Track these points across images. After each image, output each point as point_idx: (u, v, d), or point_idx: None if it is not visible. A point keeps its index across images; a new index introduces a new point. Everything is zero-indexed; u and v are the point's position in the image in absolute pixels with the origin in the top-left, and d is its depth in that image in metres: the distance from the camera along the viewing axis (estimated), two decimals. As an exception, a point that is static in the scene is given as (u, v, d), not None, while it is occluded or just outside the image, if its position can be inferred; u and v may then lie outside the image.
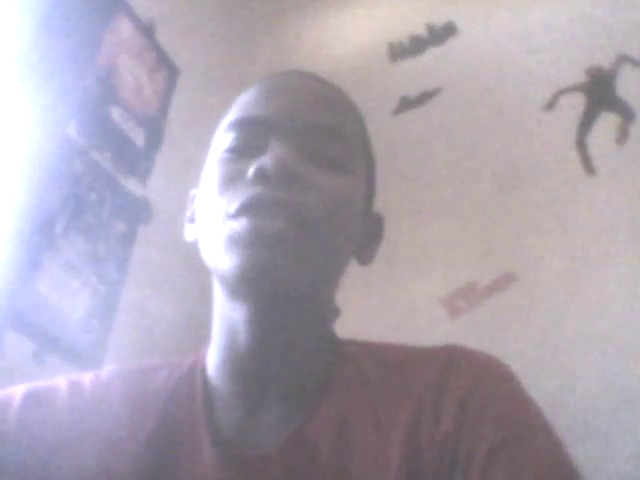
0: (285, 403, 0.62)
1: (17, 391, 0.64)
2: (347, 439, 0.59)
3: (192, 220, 0.71)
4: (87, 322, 1.60)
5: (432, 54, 2.20)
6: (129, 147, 1.83)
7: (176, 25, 2.08)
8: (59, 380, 0.66)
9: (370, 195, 0.72)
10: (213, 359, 0.66)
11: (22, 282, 1.46)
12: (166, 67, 2.02)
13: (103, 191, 1.70)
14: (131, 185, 1.81)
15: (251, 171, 0.60)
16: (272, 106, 0.65)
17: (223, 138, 0.66)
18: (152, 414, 0.63)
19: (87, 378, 0.67)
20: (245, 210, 0.59)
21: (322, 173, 0.62)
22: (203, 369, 0.66)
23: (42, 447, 0.60)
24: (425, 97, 2.13)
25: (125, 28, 1.88)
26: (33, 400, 0.63)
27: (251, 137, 0.64)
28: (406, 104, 2.15)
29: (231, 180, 0.62)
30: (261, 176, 0.59)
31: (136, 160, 1.84)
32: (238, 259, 0.57)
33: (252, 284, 0.58)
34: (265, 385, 0.62)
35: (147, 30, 1.96)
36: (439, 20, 2.21)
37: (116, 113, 1.80)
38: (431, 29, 2.22)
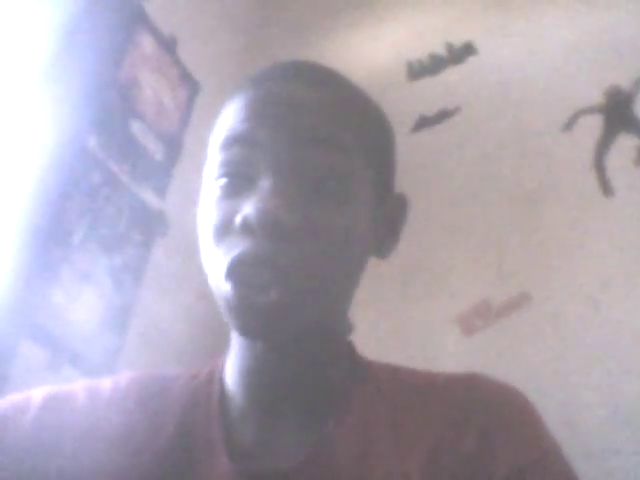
0: (302, 418, 0.62)
1: (35, 394, 0.64)
2: (368, 457, 0.59)
3: None
4: (102, 332, 1.61)
5: (451, 73, 2.20)
6: (148, 160, 1.85)
7: (197, 41, 2.10)
8: (77, 384, 0.67)
9: (385, 186, 0.68)
10: (231, 368, 0.66)
11: (38, 292, 1.47)
12: (187, 82, 2.04)
13: (121, 203, 1.72)
14: (149, 198, 1.82)
15: (237, 222, 0.57)
16: (258, 121, 0.60)
17: (215, 160, 0.62)
18: (169, 422, 0.63)
19: (105, 383, 0.67)
20: (232, 273, 0.57)
21: (313, 208, 0.58)
22: (221, 378, 0.66)
23: (58, 450, 0.60)
24: (443, 116, 2.14)
25: (147, 43, 1.90)
26: (51, 403, 0.63)
27: (240, 160, 0.60)
28: (424, 122, 2.15)
29: (224, 228, 0.59)
30: (246, 228, 0.56)
31: (154, 173, 1.86)
32: (235, 323, 0.58)
33: (254, 340, 0.61)
34: (282, 399, 0.62)
35: (169, 46, 1.99)
36: (458, 39, 2.22)
37: (136, 127, 1.82)
38: (450, 48, 2.23)
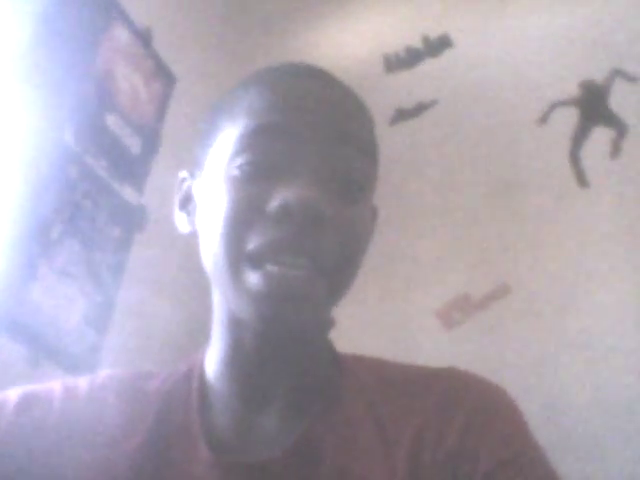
0: (284, 411, 0.62)
1: (11, 394, 0.64)
2: (350, 450, 0.59)
3: (184, 208, 0.69)
4: (82, 329, 1.59)
5: (427, 66, 2.21)
6: (125, 154, 1.83)
7: (173, 33, 2.09)
8: (54, 383, 0.66)
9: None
10: (213, 360, 0.65)
11: (17, 288, 1.46)
12: (163, 75, 2.03)
13: (98, 198, 1.70)
14: (127, 192, 1.81)
15: (274, 207, 0.57)
16: (291, 114, 0.61)
17: (237, 144, 0.61)
18: (147, 417, 0.63)
19: (82, 382, 0.67)
20: (269, 256, 0.56)
21: (341, 206, 0.60)
22: (201, 372, 0.66)
23: (36, 450, 0.60)
24: (420, 108, 2.14)
25: (122, 35, 1.88)
26: (27, 403, 0.63)
27: (272, 151, 0.59)
28: (402, 115, 2.16)
29: (247, 210, 0.58)
30: (286, 214, 0.56)
31: (132, 167, 1.84)
32: (262, 309, 0.57)
33: (271, 333, 0.60)
34: (266, 389, 0.63)
35: (144, 38, 1.97)
36: (434, 32, 2.22)
37: (112, 120, 1.80)
38: (426, 41, 2.24)
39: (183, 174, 0.71)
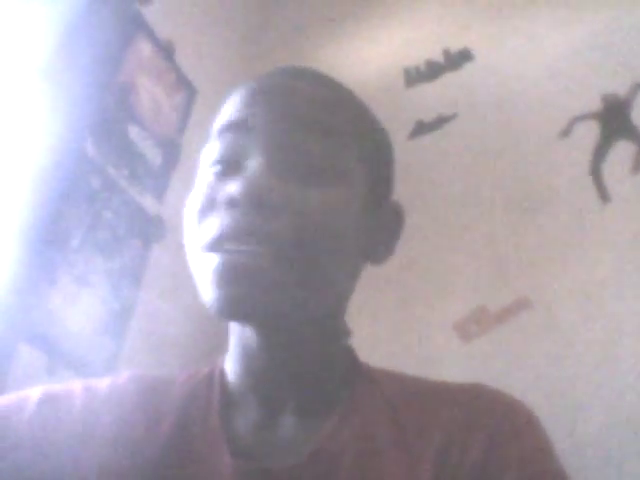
0: (303, 416, 0.62)
1: (33, 393, 0.64)
2: (372, 458, 0.59)
3: None
4: (100, 337, 1.61)
5: (448, 79, 2.21)
6: (146, 165, 1.85)
7: (194, 46, 2.11)
8: (75, 383, 0.67)
9: (380, 190, 0.69)
10: (230, 367, 0.66)
11: (36, 296, 1.47)
12: (184, 87, 2.05)
13: (119, 208, 1.72)
14: (147, 202, 1.83)
15: (222, 197, 0.58)
16: (254, 108, 0.62)
17: (209, 148, 0.64)
18: (168, 418, 0.63)
19: (103, 382, 0.67)
20: (214, 244, 0.57)
21: (303, 188, 0.59)
22: (222, 376, 0.66)
23: (56, 449, 0.60)
24: (441, 122, 2.14)
25: (145, 48, 1.91)
26: (48, 402, 0.63)
27: (234, 146, 0.61)
28: (422, 128, 2.16)
29: (209, 205, 0.60)
30: (231, 203, 0.57)
31: (152, 178, 1.86)
32: (214, 295, 0.57)
33: (233, 318, 0.60)
34: (281, 397, 0.63)
35: (166, 51, 1.99)
36: (455, 45, 2.22)
37: (133, 132, 1.82)
38: (447, 54, 2.24)
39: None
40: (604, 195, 1.82)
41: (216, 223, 0.58)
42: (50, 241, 1.51)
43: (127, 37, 1.85)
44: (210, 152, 0.63)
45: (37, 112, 1.53)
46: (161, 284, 1.80)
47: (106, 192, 1.69)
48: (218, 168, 0.62)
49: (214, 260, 0.57)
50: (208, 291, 0.57)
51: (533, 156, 1.96)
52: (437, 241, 1.95)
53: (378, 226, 0.68)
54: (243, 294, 0.55)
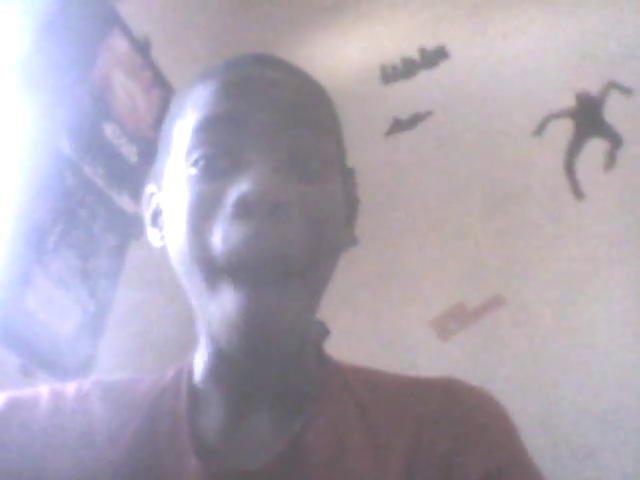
0: (272, 417, 0.61)
1: None
2: (341, 457, 0.59)
3: (155, 223, 0.67)
4: (76, 337, 1.59)
5: (424, 77, 2.22)
6: (121, 163, 1.83)
7: (171, 43, 2.10)
8: (42, 389, 0.65)
9: (345, 168, 0.67)
10: (200, 365, 0.64)
11: (11, 296, 1.45)
12: (160, 85, 2.03)
13: (94, 206, 1.70)
14: (123, 201, 1.81)
15: (231, 200, 0.54)
16: (238, 101, 0.58)
17: (187, 142, 0.58)
18: (133, 422, 0.61)
19: (70, 387, 0.66)
20: (229, 269, 0.53)
21: (305, 187, 0.57)
22: (189, 377, 0.65)
23: (21, 456, 0.59)
24: (417, 119, 2.15)
25: (120, 45, 1.89)
26: (12, 408, 0.62)
27: (221, 143, 0.57)
28: (398, 126, 2.17)
29: (205, 209, 0.55)
30: (243, 209, 0.53)
31: (128, 176, 1.84)
32: (229, 338, 0.54)
33: (247, 360, 0.57)
34: (251, 398, 0.62)
35: (142, 47, 1.98)
36: (431, 43, 2.24)
37: (109, 129, 1.81)
38: (423, 52, 2.25)
39: (151, 188, 0.68)
40: (578, 192, 1.84)
41: (223, 235, 0.54)
42: (25, 241, 1.50)
43: (103, 33, 1.83)
44: (186, 147, 0.58)
45: (12, 109, 1.51)
46: (138, 283, 1.79)
47: (82, 190, 1.67)
48: (204, 163, 0.57)
49: (234, 296, 0.53)
50: (220, 327, 0.55)
51: (508, 153, 1.98)
52: (413, 238, 1.96)
53: (349, 201, 0.66)
54: (266, 340, 0.54)
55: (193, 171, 0.57)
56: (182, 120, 0.61)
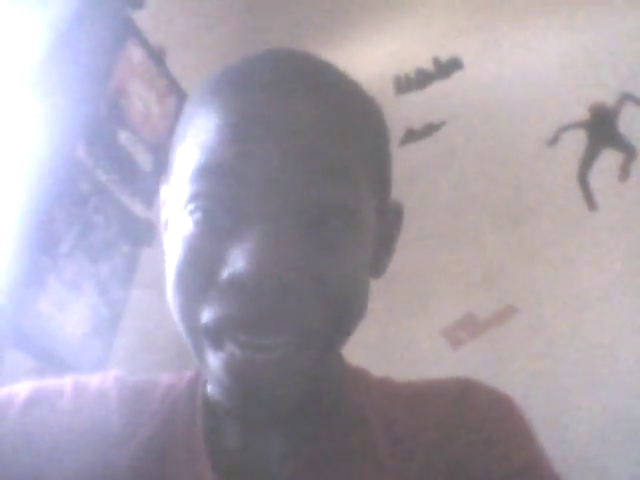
0: (288, 428, 0.60)
1: (21, 389, 0.63)
2: (359, 470, 0.58)
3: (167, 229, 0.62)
4: (89, 342, 1.60)
5: (437, 88, 2.22)
6: (136, 170, 1.85)
7: (186, 52, 2.11)
8: (66, 381, 0.65)
9: (384, 204, 0.60)
10: (212, 386, 0.63)
11: (25, 300, 1.47)
12: (175, 93, 2.05)
13: (109, 213, 1.72)
14: (136, 207, 1.83)
15: (225, 276, 0.48)
16: (251, 147, 0.49)
17: (186, 188, 0.51)
18: (147, 426, 0.61)
19: (93, 381, 0.65)
20: (222, 332, 0.49)
21: (318, 250, 0.49)
22: (205, 385, 0.64)
23: (41, 449, 0.59)
24: (430, 129, 2.16)
25: (136, 54, 1.91)
26: (36, 400, 0.61)
27: (224, 196, 0.49)
28: (411, 136, 2.17)
29: (199, 277, 0.49)
30: (238, 286, 0.47)
31: (142, 183, 1.86)
32: (233, 400, 0.53)
33: (249, 416, 0.57)
34: (266, 422, 0.60)
35: (157, 56, 2.00)
36: (445, 54, 2.24)
37: (124, 137, 1.82)
38: (437, 63, 2.26)
39: (165, 189, 0.63)
40: (591, 203, 1.83)
41: (221, 306, 0.49)
42: (40, 246, 1.51)
43: (118, 42, 1.85)
44: (187, 198, 0.51)
45: (28, 117, 1.52)
46: (151, 288, 1.80)
47: (96, 197, 1.69)
48: (201, 216, 0.50)
49: (225, 355, 0.49)
50: (221, 389, 0.54)
51: (521, 164, 1.98)
52: (426, 249, 1.96)
53: (381, 236, 0.59)
54: (269, 398, 0.50)
55: (190, 223, 0.51)
56: (182, 149, 0.55)
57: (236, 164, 0.49)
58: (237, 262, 0.47)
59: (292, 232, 0.48)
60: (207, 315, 0.49)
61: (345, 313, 0.52)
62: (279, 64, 0.54)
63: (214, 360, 0.50)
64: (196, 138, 0.52)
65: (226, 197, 0.49)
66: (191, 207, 0.50)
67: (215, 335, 0.49)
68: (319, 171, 0.49)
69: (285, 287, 0.47)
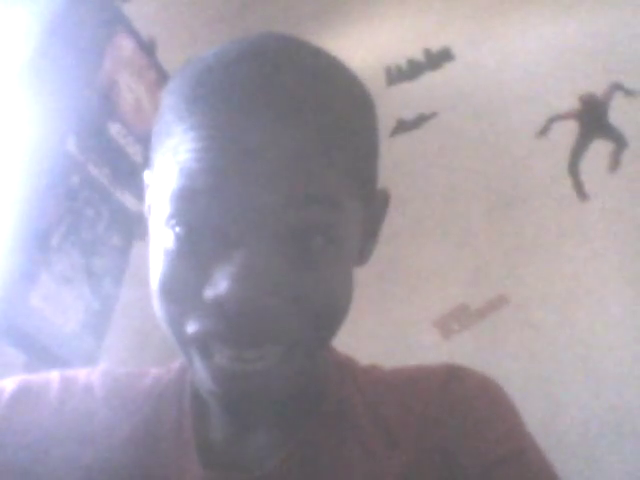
0: (277, 420, 0.60)
1: (7, 383, 0.63)
2: (347, 460, 0.58)
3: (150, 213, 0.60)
4: (80, 335, 1.60)
5: (428, 78, 2.22)
6: (127, 163, 1.84)
7: (176, 43, 2.10)
8: (53, 375, 0.65)
9: (371, 187, 0.59)
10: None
11: (16, 294, 1.46)
12: (165, 85, 2.04)
13: (100, 206, 1.71)
14: (127, 200, 1.82)
15: (208, 297, 0.48)
16: (229, 172, 0.47)
17: (168, 207, 0.50)
18: (133, 418, 0.61)
19: (81, 375, 0.65)
20: (207, 346, 0.50)
21: (304, 274, 0.50)
22: (193, 377, 0.63)
23: (28, 443, 0.59)
24: (421, 120, 2.16)
25: (126, 45, 1.90)
26: (22, 394, 0.62)
27: (204, 217, 0.49)
28: (402, 127, 2.17)
29: (182, 294, 0.50)
30: (221, 308, 0.47)
31: (133, 176, 1.85)
32: (213, 393, 0.54)
33: (235, 412, 0.59)
34: (254, 414, 0.60)
35: (148, 48, 1.99)
36: (436, 45, 2.24)
37: (115, 129, 1.82)
38: (428, 54, 2.26)
39: (147, 174, 0.63)
40: (582, 193, 1.84)
41: (203, 318, 0.49)
42: (31, 240, 1.51)
43: (108, 34, 1.84)
44: (168, 216, 0.50)
45: (18, 110, 1.52)
46: (142, 282, 1.79)
47: (87, 190, 1.68)
48: (182, 232, 0.49)
49: (213, 365, 0.50)
50: (206, 390, 0.56)
51: (512, 154, 1.98)
52: (417, 239, 1.96)
53: (367, 224, 0.59)
54: (258, 404, 0.54)
55: (172, 236, 0.50)
56: (162, 157, 0.52)
57: (216, 190, 0.48)
58: (220, 284, 0.47)
59: (274, 255, 0.48)
60: (193, 327, 0.50)
61: (327, 324, 0.53)
62: (260, 59, 0.51)
63: (202, 369, 0.51)
64: (175, 156, 0.50)
65: (207, 219, 0.49)
66: (173, 222, 0.49)
67: (202, 345, 0.50)
68: (302, 195, 0.48)
69: (267, 310, 0.48)
